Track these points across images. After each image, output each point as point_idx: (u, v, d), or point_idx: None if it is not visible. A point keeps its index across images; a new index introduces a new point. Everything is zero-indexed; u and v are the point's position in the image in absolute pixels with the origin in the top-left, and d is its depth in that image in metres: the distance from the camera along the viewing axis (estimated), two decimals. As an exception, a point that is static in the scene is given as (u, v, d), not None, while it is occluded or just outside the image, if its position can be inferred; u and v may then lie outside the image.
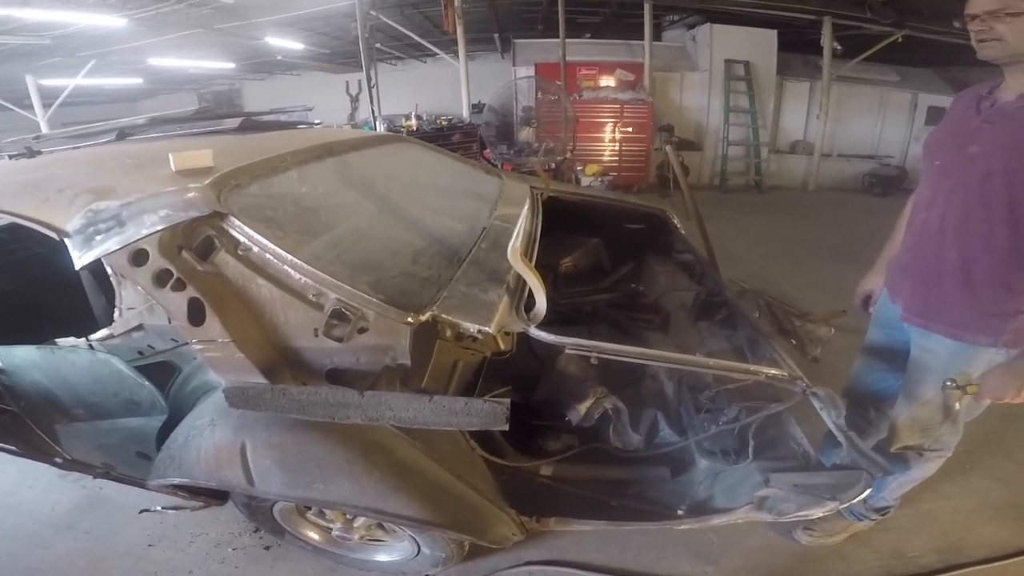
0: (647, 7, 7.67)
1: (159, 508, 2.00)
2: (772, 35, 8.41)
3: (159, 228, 1.24)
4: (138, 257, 1.24)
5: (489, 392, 1.58)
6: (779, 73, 8.79)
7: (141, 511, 2.00)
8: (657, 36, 8.94)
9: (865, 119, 9.31)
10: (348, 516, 1.65)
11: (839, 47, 7.99)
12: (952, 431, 1.52)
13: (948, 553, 1.83)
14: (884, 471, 1.22)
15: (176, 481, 1.42)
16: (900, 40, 7.64)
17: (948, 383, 1.31)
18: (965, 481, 2.12)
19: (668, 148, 3.55)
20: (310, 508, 1.68)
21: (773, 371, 1.36)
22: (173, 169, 1.45)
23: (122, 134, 2.35)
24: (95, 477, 1.78)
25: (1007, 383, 1.23)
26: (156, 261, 1.22)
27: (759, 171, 8.73)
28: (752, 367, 1.39)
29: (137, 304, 1.40)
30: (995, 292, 1.28)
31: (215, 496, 1.64)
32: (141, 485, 1.60)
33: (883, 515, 1.82)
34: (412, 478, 1.33)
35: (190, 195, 1.30)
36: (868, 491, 1.23)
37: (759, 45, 8.44)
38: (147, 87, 13.30)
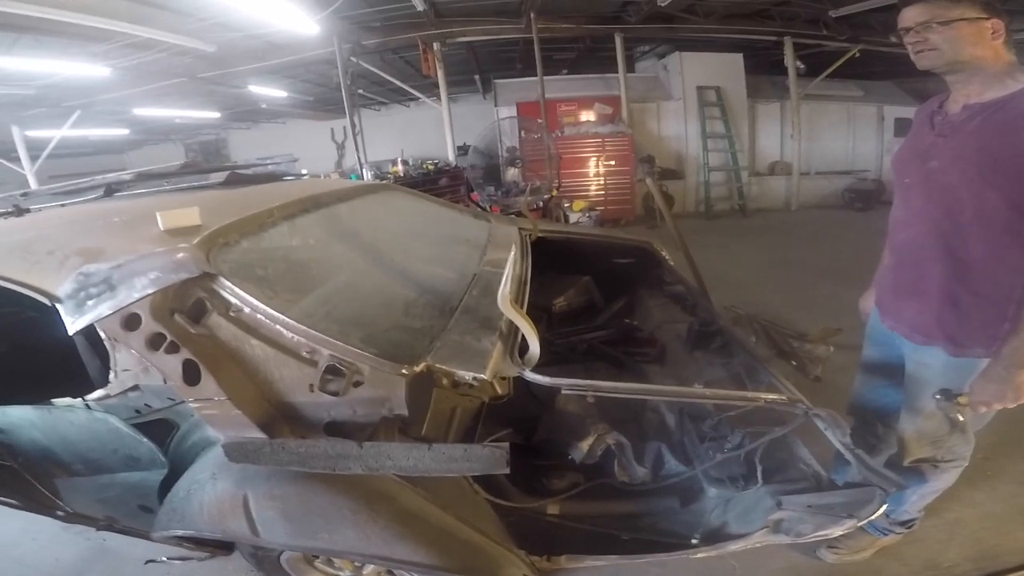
0: (618, 39, 7.88)
1: (165, 559, 1.94)
2: (738, 59, 8.71)
3: (150, 291, 1.24)
4: (131, 321, 1.24)
5: (489, 435, 1.56)
6: (749, 96, 9.03)
7: (147, 562, 1.95)
8: (631, 68, 9.19)
9: (837, 135, 9.58)
10: (357, 564, 1.62)
11: (802, 66, 8.31)
12: (963, 441, 1.51)
13: (983, 561, 1.78)
14: (897, 486, 1.20)
15: (180, 533, 1.40)
16: (858, 55, 7.98)
17: (937, 396, 1.31)
18: (990, 488, 2.08)
19: (649, 180, 3.61)
20: (318, 556, 1.65)
21: (772, 396, 1.35)
22: (161, 228, 1.45)
23: (109, 190, 2.37)
24: (98, 529, 1.77)
25: (990, 389, 1.24)
26: (149, 325, 1.22)
27: (742, 195, 8.86)
28: (751, 394, 1.39)
29: (132, 366, 1.38)
30: (978, 303, 1.29)
31: (221, 546, 1.62)
32: (145, 536, 1.58)
33: (908, 528, 1.78)
34: (417, 524, 1.31)
35: (179, 256, 1.30)
36: (884, 507, 1.21)
37: (727, 69, 8.71)
38: (133, 138, 13.40)
